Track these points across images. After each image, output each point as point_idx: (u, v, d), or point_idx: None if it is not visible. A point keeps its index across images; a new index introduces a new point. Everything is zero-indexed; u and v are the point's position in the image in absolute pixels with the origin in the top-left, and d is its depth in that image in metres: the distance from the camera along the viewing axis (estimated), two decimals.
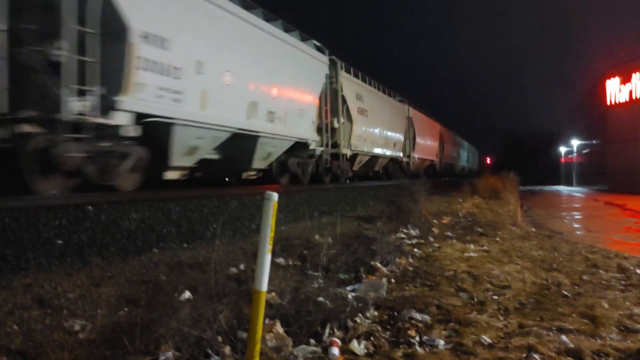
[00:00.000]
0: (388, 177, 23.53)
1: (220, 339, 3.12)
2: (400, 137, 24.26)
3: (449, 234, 9.21)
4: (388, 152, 22.18)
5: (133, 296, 3.92)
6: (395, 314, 4.06)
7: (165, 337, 3.04)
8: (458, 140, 48.63)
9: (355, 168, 18.72)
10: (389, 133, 22.35)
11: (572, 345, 3.35)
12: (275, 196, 2.69)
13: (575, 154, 55.51)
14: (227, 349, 3.03)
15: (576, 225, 15.57)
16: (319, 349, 3.23)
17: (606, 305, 4.44)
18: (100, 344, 3.09)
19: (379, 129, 20.72)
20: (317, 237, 6.68)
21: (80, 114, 6.83)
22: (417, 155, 27.87)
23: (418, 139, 27.99)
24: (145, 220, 5.60)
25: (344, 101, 16.87)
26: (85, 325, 3.32)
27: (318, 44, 14.88)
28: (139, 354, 2.93)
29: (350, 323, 3.71)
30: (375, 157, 20.53)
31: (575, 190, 45.03)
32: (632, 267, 6.30)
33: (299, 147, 13.56)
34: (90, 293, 3.84)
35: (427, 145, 31.50)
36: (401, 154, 24.61)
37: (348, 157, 17.36)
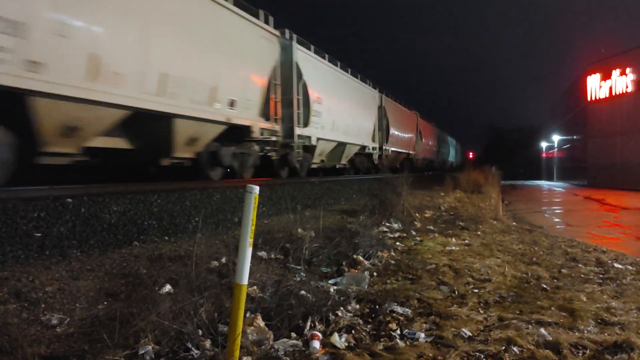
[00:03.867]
0: (357, 172, 21.44)
1: (200, 332, 3.10)
2: (370, 126, 22.27)
3: (431, 227, 9.27)
4: (356, 143, 19.97)
5: (112, 289, 3.88)
6: (377, 307, 4.07)
7: (145, 330, 3.01)
8: (439, 132, 46.97)
9: (316, 160, 16.72)
10: (358, 121, 20.20)
11: (550, 338, 3.39)
12: (256, 189, 2.67)
13: (556, 149, 56.22)
14: (208, 343, 3.01)
15: (556, 220, 15.79)
16: (299, 342, 3.22)
17: (584, 299, 4.52)
18: (78, 338, 3.05)
19: (345, 116, 18.43)
20: (299, 230, 6.67)
21: None
22: (391, 147, 25.93)
23: (392, 130, 26.20)
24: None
25: (302, 82, 14.79)
26: (63, 319, 3.28)
27: (266, 14, 12.82)
28: (117, 347, 2.90)
29: (331, 316, 3.71)
30: (340, 148, 18.43)
31: (555, 185, 45.63)
32: (609, 261, 6.42)
33: (238, 133, 11.33)
34: (69, 286, 3.79)
35: (403, 137, 29.58)
36: (372, 146, 22.53)
37: (307, 147, 15.36)
